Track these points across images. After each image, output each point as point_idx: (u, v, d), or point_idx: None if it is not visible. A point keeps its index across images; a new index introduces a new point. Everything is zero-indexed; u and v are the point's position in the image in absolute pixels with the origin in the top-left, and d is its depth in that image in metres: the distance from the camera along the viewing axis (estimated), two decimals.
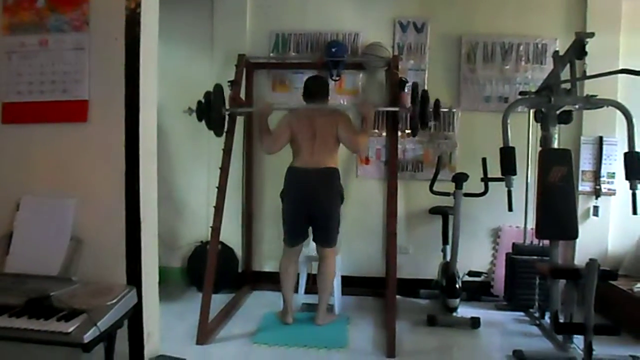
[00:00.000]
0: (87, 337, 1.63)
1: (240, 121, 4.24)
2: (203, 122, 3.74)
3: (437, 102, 3.63)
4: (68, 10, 2.06)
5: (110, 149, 2.06)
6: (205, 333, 3.36)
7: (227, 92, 4.08)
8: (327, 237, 3.60)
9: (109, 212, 2.06)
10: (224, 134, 3.83)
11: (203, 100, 3.67)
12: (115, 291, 1.89)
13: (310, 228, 3.65)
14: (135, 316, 2.01)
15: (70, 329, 1.64)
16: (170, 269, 4.52)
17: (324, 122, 3.55)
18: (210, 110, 3.63)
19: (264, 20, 4.59)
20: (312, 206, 3.50)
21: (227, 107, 3.81)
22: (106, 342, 1.81)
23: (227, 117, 3.79)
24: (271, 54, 4.59)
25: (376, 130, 4.52)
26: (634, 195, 3.31)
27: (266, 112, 3.63)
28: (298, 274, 3.87)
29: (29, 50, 2.09)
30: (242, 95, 4.33)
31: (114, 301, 1.82)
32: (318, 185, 3.48)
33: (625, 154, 3.35)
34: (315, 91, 3.66)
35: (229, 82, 4.13)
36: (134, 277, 2.03)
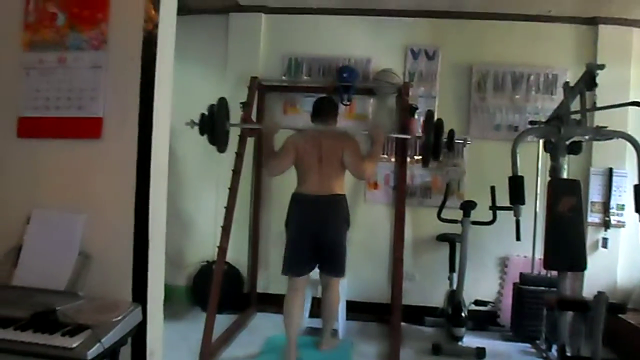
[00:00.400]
0: (91, 353, 1.62)
1: (250, 142, 4.28)
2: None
3: (451, 132, 3.50)
4: (87, 29, 2.10)
5: (122, 166, 2.08)
6: (208, 354, 3.34)
7: (239, 114, 4.15)
8: (336, 267, 3.45)
9: (117, 229, 2.07)
10: (234, 154, 3.86)
11: (206, 114, 3.53)
12: (121, 308, 1.89)
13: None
14: (139, 334, 2.00)
15: (74, 345, 1.64)
16: (176, 287, 4.52)
17: (331, 145, 3.41)
18: (214, 124, 3.48)
19: (277, 44, 4.66)
20: (320, 236, 3.35)
21: (232, 122, 3.71)
22: (109, 359, 1.80)
23: (230, 132, 3.65)
24: (283, 77, 4.65)
25: (385, 156, 4.54)
26: None
27: (272, 130, 3.49)
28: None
29: (47, 67, 2.13)
30: (254, 117, 4.37)
31: (119, 318, 1.82)
32: (325, 214, 3.35)
33: (635, 186, 3.34)
34: (324, 112, 3.56)
35: (241, 103, 4.18)
36: (140, 294, 2.03)
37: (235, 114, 4.19)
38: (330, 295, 3.53)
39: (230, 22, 4.66)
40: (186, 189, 4.59)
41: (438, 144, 3.43)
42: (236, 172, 3.85)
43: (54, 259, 2.03)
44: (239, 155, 3.89)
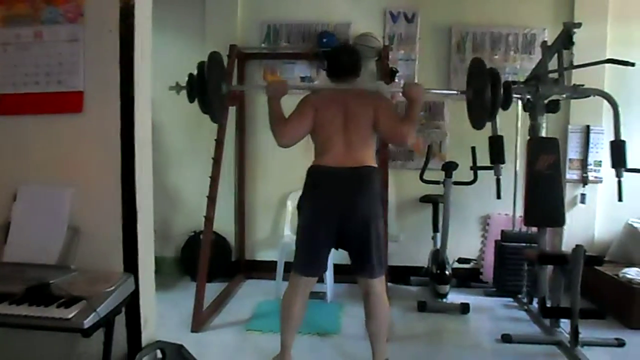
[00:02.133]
0: (87, 322, 1.67)
1: (232, 112, 4.27)
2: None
3: (506, 84, 2.76)
4: (62, 2, 2.07)
5: (106, 139, 2.09)
6: (199, 321, 3.41)
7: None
8: (372, 263, 2.63)
9: (105, 201, 2.09)
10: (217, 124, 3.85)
11: (195, 74, 2.77)
12: (113, 278, 1.94)
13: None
14: (132, 303, 2.05)
15: (71, 315, 1.68)
16: (164, 258, 4.55)
17: (359, 106, 2.72)
18: (205, 87, 2.73)
19: (255, 11, 4.60)
20: (348, 222, 2.62)
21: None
22: (105, 327, 1.85)
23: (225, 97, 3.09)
24: (263, 45, 4.61)
25: None
26: (619, 183, 3.39)
27: (280, 91, 2.78)
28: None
29: (24, 42, 2.11)
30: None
31: (112, 288, 1.86)
32: (355, 191, 2.61)
33: (611, 142, 3.42)
34: (345, 66, 2.85)
35: None
36: (131, 264, 2.07)
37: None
38: (378, 305, 2.69)
39: None
40: (170, 160, 4.58)
41: (495, 103, 2.70)
42: (219, 142, 3.85)
43: (43, 234, 2.06)
44: (221, 125, 3.89)
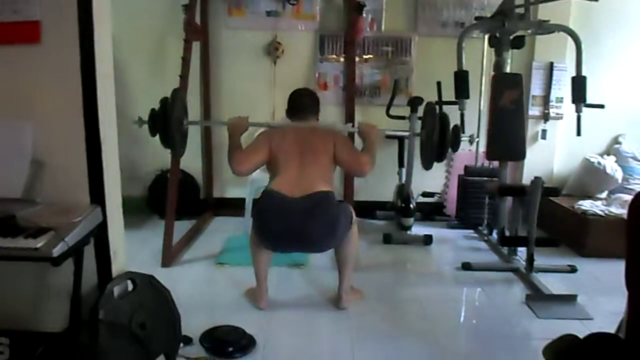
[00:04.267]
0: (56, 251, 1.68)
1: (196, 47, 4.17)
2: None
3: (455, 128, 2.90)
4: None
5: (66, 70, 2.02)
6: (169, 256, 3.46)
7: (181, 18, 4.02)
8: (336, 242, 2.74)
9: (68, 134, 2.05)
10: (181, 59, 3.77)
11: (157, 110, 2.89)
12: (80, 210, 1.93)
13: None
14: (100, 234, 2.06)
15: (39, 245, 1.69)
16: (132, 197, 4.53)
17: (317, 138, 2.83)
18: (168, 124, 2.80)
19: None
20: (301, 244, 2.73)
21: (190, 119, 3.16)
22: (74, 257, 1.87)
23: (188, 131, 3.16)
24: None
25: (334, 56, 4.52)
26: (578, 118, 3.50)
27: (240, 128, 2.89)
28: None
29: None
30: (198, 21, 4.23)
31: (80, 218, 1.86)
32: (306, 219, 2.58)
33: (573, 78, 3.50)
34: (303, 107, 2.96)
35: (183, 5, 4.03)
36: (98, 196, 2.06)
37: (179, 18, 4.08)
38: (347, 243, 2.79)
39: None
40: (135, 98, 4.47)
41: (444, 144, 2.83)
42: (183, 77, 3.77)
43: (6, 167, 2.02)
44: (185, 60, 3.80)
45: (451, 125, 2.85)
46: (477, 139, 3.36)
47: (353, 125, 3.32)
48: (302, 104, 2.97)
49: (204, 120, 4.50)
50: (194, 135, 4.41)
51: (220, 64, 4.52)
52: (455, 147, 2.89)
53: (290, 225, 2.60)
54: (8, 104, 2.10)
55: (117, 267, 2.19)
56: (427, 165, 3.00)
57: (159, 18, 4.42)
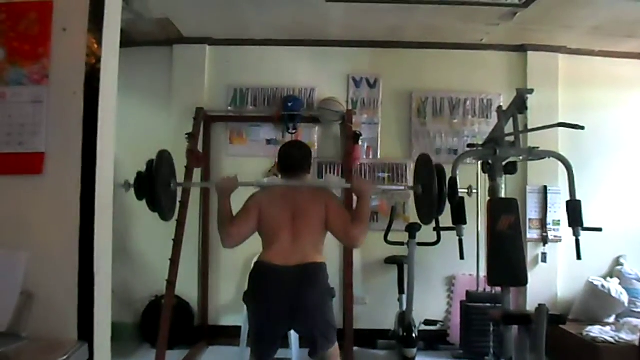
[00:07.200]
0: None
1: (197, 173, 4.27)
2: None
3: (452, 181, 2.87)
4: (28, 64, 2.07)
5: (66, 201, 2.03)
6: None
7: (184, 145, 4.15)
8: (322, 341, 2.65)
9: (61, 266, 2.01)
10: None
11: (143, 172, 2.74)
12: (65, 347, 1.83)
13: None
14: None
15: None
16: (124, 324, 4.38)
17: (308, 200, 2.76)
18: (154, 187, 2.67)
19: (222, 75, 4.71)
20: (295, 317, 2.62)
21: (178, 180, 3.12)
22: None
23: (177, 192, 3.15)
24: (229, 108, 4.68)
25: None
26: (577, 242, 3.47)
27: (228, 188, 2.76)
28: None
29: None
30: (200, 148, 4.37)
31: (64, 357, 1.77)
32: (302, 290, 2.58)
33: (567, 202, 3.53)
34: (294, 162, 2.86)
35: (186, 134, 4.18)
36: (86, 332, 1.98)
37: (182, 146, 4.20)
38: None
39: (174, 53, 4.68)
40: (133, 222, 4.49)
41: (441, 199, 2.75)
42: (184, 204, 3.82)
43: None
44: (186, 188, 3.87)
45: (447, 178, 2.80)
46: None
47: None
48: (292, 160, 2.87)
49: (202, 240, 4.47)
50: (191, 258, 4.36)
51: None
52: (453, 199, 2.85)
53: (285, 293, 2.56)
54: (6, 233, 2.08)
55: None
56: (426, 220, 2.93)
57: (162, 145, 4.54)
